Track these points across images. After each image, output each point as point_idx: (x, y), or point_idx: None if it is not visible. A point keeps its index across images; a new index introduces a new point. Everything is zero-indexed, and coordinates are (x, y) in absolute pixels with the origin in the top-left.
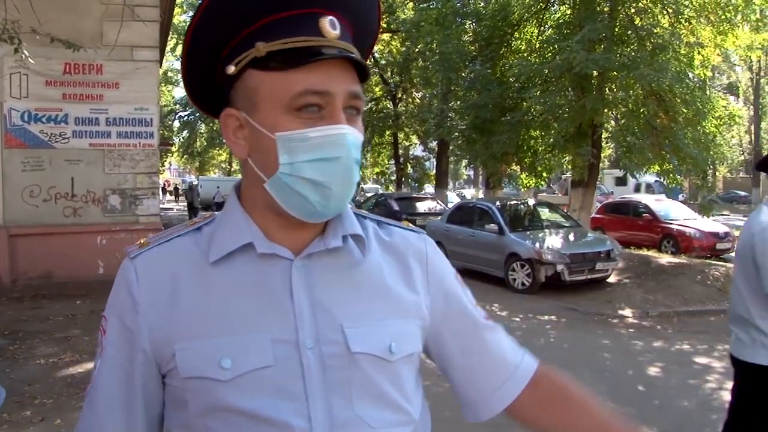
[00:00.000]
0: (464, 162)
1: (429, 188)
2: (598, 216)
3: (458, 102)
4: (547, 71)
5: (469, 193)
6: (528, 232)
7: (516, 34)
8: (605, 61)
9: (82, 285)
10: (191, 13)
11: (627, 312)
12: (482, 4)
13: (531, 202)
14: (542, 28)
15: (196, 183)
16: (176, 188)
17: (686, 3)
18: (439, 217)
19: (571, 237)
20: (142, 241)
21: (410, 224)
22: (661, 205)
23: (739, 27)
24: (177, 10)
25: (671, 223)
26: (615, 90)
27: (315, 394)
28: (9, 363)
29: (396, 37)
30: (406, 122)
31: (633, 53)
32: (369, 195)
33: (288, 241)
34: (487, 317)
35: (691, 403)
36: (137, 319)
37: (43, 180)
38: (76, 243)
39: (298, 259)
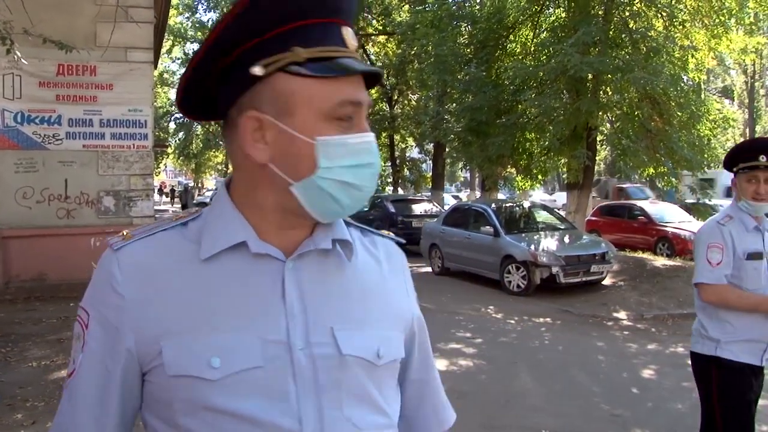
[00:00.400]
0: (460, 164)
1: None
2: (593, 218)
3: (454, 104)
4: (541, 74)
5: (464, 195)
6: (523, 234)
7: (511, 37)
8: (600, 64)
9: (75, 287)
10: (187, 15)
11: (622, 314)
12: (477, 7)
13: (526, 204)
14: (537, 31)
15: (192, 185)
16: (172, 190)
17: (680, 6)
18: (435, 219)
19: (567, 239)
20: (125, 233)
21: (391, 233)
22: (656, 207)
23: (733, 30)
24: (172, 12)
25: (666, 226)
26: (609, 93)
27: (306, 395)
28: (0, 366)
29: (392, 40)
30: (402, 124)
31: (627, 56)
32: None
33: (278, 240)
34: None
35: (684, 405)
36: (121, 315)
37: (37, 181)
38: (69, 245)
39: (290, 260)
